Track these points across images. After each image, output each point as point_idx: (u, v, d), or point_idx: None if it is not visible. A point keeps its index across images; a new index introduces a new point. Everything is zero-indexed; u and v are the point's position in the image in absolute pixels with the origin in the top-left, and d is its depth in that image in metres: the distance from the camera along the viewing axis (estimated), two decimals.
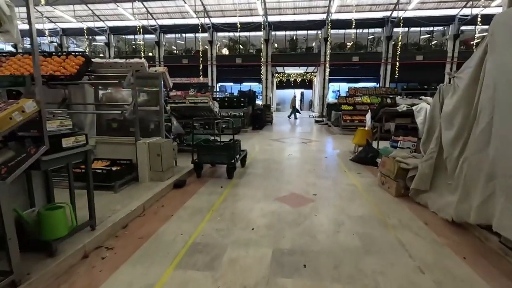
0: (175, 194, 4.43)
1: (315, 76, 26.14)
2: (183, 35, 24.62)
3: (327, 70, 21.93)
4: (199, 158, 5.25)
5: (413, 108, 6.30)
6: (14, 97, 4.84)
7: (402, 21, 19.64)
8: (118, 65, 4.69)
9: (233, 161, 5.16)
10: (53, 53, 4.56)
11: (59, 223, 2.48)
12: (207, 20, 22.43)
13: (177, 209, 3.82)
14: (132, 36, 24.70)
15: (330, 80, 22.67)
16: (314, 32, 23.45)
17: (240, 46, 24.63)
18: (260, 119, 13.46)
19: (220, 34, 24.16)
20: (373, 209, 3.86)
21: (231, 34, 23.89)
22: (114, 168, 4.12)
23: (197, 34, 22.99)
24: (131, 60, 4.82)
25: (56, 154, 2.40)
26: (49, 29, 24.59)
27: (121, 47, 25.93)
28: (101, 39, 25.58)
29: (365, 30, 22.56)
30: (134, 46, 25.28)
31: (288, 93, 30.12)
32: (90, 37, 25.84)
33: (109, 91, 5.10)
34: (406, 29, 21.41)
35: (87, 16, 22.90)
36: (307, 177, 5.41)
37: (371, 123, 7.20)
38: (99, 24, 23.89)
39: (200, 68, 23.43)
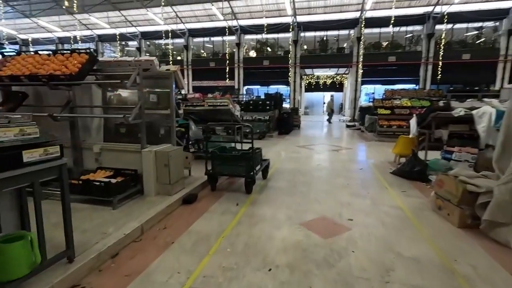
0: (182, 212, 3.80)
1: (346, 78, 24.76)
2: (211, 38, 24.55)
3: (360, 71, 20.56)
4: (213, 169, 4.61)
5: (473, 112, 5.18)
6: (20, 98, 4.57)
7: (446, 16, 17.80)
8: (126, 64, 4.21)
9: (251, 173, 4.44)
10: (58, 51, 4.18)
11: (15, 260, 1.91)
12: (234, 23, 22.14)
13: (181, 233, 3.18)
14: (162, 41, 25.10)
15: (363, 82, 21.26)
16: (345, 32, 22.22)
17: (268, 48, 24.01)
18: (286, 123, 12.66)
19: (247, 37, 23.77)
20: (431, 246, 2.93)
21: (259, 36, 23.38)
22: (113, 181, 3.59)
23: (224, 37, 22.77)
24: (140, 58, 4.32)
25: (10, 172, 1.84)
26: (85, 36, 25.82)
27: (152, 51, 26.51)
28: (133, 44, 26.37)
29: (403, 28, 20.88)
30: (164, 50, 25.66)
31: (317, 96, 28.97)
32: (123, 43, 26.78)
33: (118, 93, 4.64)
34: (451, 25, 19.42)
35: (120, 22, 23.67)
36: (339, 194, 4.54)
37: (416, 129, 6.12)
38: (132, 29, 24.60)
39: (227, 70, 23.15)
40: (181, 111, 4.79)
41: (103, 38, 26.17)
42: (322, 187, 4.94)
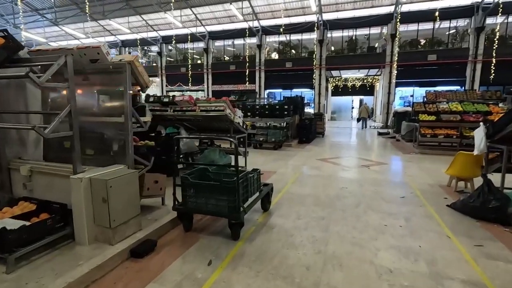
0: (122, 275, 2.45)
1: (378, 80, 22.50)
2: (232, 41, 23.57)
3: (394, 72, 18.35)
4: (184, 203, 3.22)
5: None
6: None
7: (501, 6, 15.17)
8: (68, 52, 2.98)
9: (238, 212, 3.00)
10: None
11: None
12: (255, 23, 20.97)
13: None
14: (183, 45, 24.58)
15: (397, 84, 18.98)
16: (377, 31, 20.13)
17: (292, 51, 22.50)
18: (308, 130, 11.05)
19: (269, 39, 22.47)
20: None
21: (282, 38, 21.99)
22: (9, 226, 2.31)
23: (245, 39, 21.67)
24: (86, 44, 3.09)
25: None
26: (109, 42, 26.08)
27: (173, 55, 26.15)
28: (156, 49, 26.18)
29: (445, 23, 18.37)
30: (185, 54, 25.12)
31: (345, 100, 26.86)
32: (146, 47, 26.72)
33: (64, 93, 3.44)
34: (505, 16, 16.66)
35: (141, 26, 23.51)
36: (373, 249, 2.94)
37: (485, 144, 4.31)
38: (153, 34, 24.36)
39: (247, 73, 21.98)
40: (147, 119, 3.47)
41: (126, 44, 26.26)
42: (346, 231, 3.35)
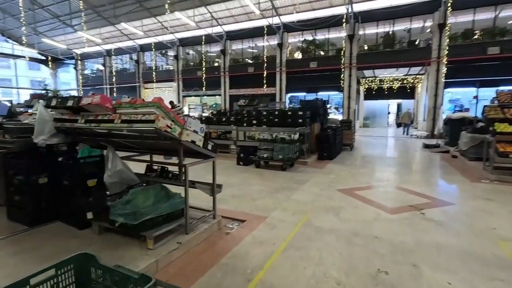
0: None
1: (421, 80, 19.12)
2: (250, 41, 21.59)
3: (443, 70, 15.06)
4: None
5: None
6: None
7: None
8: None
9: None
10: None
11: None
12: (276, 20, 18.81)
13: None
14: (200, 48, 23.11)
15: (446, 85, 15.58)
16: (418, 25, 16.95)
17: (320, 51, 19.92)
18: (330, 143, 8.53)
19: (291, 40, 20.16)
20: None
21: (306, 35, 19.58)
22: None
23: (264, 37, 19.56)
24: None
25: None
26: (127, 47, 25.48)
27: (189, 58, 24.83)
28: (173, 53, 25.09)
29: (509, 10, 14.74)
30: (202, 57, 23.64)
31: (380, 104, 23.57)
32: (163, 51, 25.74)
33: None
34: None
35: (157, 29, 22.47)
36: None
37: None
38: (170, 37, 23.22)
39: (265, 75, 19.83)
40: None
41: (144, 48, 25.47)
42: None
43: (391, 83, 19.47)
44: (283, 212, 4.12)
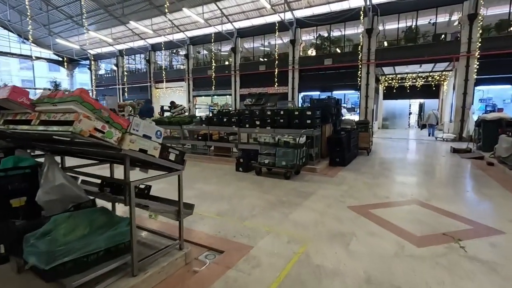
0: None
1: (447, 77, 17.53)
2: (262, 38, 20.70)
3: (475, 65, 13.54)
4: None
5: None
6: None
7: None
8: None
9: None
10: None
11: None
12: (288, 15, 17.82)
13: None
14: (211, 46, 22.46)
15: (478, 82, 14.02)
16: (444, 19, 15.46)
17: (336, 49, 18.73)
18: (344, 147, 7.49)
19: (305, 37, 19.11)
20: None
21: (320, 31, 18.46)
22: None
23: (276, 34, 18.61)
24: None
25: None
26: (139, 46, 25.28)
27: (200, 58, 24.26)
28: (184, 52, 24.64)
29: None
30: (213, 56, 22.99)
31: (400, 104, 22.02)
32: (174, 51, 25.36)
33: None
34: None
35: (168, 28, 22.05)
36: None
37: None
38: (181, 35, 22.76)
39: (276, 74, 18.86)
40: None
41: (155, 47, 25.17)
42: None
43: (414, 80, 17.96)
44: (276, 239, 3.21)
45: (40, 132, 2.05)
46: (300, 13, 17.89)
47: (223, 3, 18.45)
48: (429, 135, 15.54)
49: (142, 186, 3.00)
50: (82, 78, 34.14)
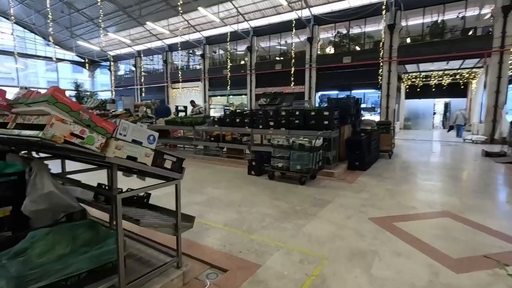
0: None
1: (476, 75, 16.38)
2: (278, 37, 20.27)
3: (509, 61, 12.50)
4: None
5: None
6: None
7: None
8: None
9: None
10: None
11: None
12: (305, 12, 17.30)
13: None
14: (227, 46, 22.29)
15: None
16: (473, 13, 14.40)
17: (356, 46, 17.99)
18: (364, 149, 6.98)
19: (323, 35, 18.49)
20: None
21: (339, 30, 17.80)
22: None
23: (293, 32, 18.13)
24: None
25: None
26: (157, 47, 25.55)
27: (216, 57, 24.17)
28: (200, 52, 24.66)
29: None
30: (228, 55, 22.82)
31: (424, 103, 20.91)
32: (191, 51, 25.43)
33: None
34: None
35: (184, 28, 22.10)
36: None
37: None
38: (197, 35, 22.77)
39: (292, 72, 18.37)
40: None
41: (172, 48, 25.35)
42: None
43: (440, 79, 16.93)
44: (287, 256, 2.84)
45: (15, 137, 1.80)
46: (317, 10, 17.33)
47: (239, 2, 18.20)
48: (457, 136, 14.62)
49: (141, 194, 2.75)
50: (103, 79, 35.09)
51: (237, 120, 8.02)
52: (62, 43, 28.31)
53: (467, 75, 16.64)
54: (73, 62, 31.04)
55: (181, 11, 17.76)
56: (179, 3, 16.76)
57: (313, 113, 6.71)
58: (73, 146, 1.68)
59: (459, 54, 13.87)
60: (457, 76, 16.84)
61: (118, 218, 1.95)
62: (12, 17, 21.69)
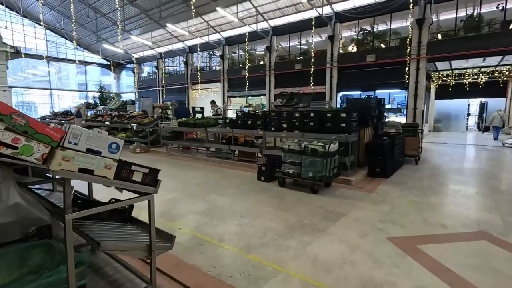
0: None
1: None
2: (298, 39, 19.67)
3: None
4: None
5: None
6: None
7: None
8: None
9: None
10: None
11: None
12: (327, 10, 16.61)
13: None
14: (246, 46, 22.03)
15: None
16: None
17: (381, 44, 17.00)
18: (386, 155, 6.33)
19: (345, 33, 17.67)
20: None
21: (362, 26, 16.91)
22: None
23: (313, 29, 17.48)
24: None
25: None
26: (178, 49, 25.86)
27: (235, 58, 24.00)
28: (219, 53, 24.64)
29: None
30: (248, 55, 22.55)
31: (456, 104, 19.36)
32: (211, 52, 25.48)
33: None
34: None
35: (204, 29, 22.15)
36: None
37: None
38: (217, 36, 22.76)
39: (312, 72, 17.70)
40: None
41: (192, 49, 25.55)
42: None
43: (475, 77, 15.52)
44: (285, 285, 2.41)
45: None
46: (339, 7, 16.58)
47: (258, 1, 17.85)
48: (494, 139, 13.33)
49: (122, 206, 2.45)
50: (128, 81, 36.24)
51: (249, 122, 7.65)
52: (90, 46, 29.53)
53: (507, 72, 15.11)
54: (100, 64, 32.28)
55: (196, 13, 17.76)
56: (192, 1, 16.64)
57: (329, 115, 6.18)
58: (3, 158, 1.38)
59: (498, 49, 12.56)
60: (495, 74, 15.34)
61: (67, 242, 1.63)
62: (42, 22, 22.81)
